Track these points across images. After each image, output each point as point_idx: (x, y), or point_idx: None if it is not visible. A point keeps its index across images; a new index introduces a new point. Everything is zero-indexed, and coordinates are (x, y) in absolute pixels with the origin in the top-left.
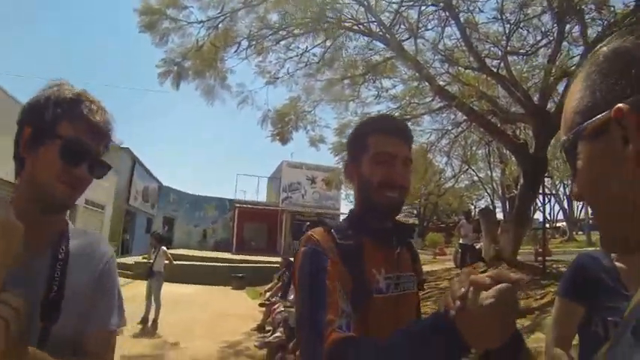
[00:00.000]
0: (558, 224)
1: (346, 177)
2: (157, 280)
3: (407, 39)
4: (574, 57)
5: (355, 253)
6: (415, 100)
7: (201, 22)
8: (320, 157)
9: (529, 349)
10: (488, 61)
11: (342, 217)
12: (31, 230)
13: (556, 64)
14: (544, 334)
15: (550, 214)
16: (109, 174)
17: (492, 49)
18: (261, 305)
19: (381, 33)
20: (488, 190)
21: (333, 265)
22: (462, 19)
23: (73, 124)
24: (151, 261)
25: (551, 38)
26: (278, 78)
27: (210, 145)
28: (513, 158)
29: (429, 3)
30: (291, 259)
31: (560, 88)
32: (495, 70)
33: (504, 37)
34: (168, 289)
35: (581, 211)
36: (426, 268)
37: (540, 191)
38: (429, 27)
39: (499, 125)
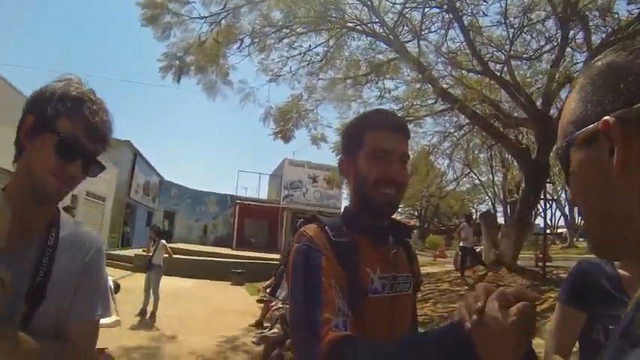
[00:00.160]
0: (559, 230)
1: (341, 173)
2: (155, 273)
3: (410, 40)
4: (577, 63)
5: (350, 251)
6: (418, 102)
7: (204, 17)
8: (321, 156)
9: None
10: (491, 65)
11: None
12: (22, 216)
13: (559, 69)
14: (544, 340)
15: (551, 219)
16: (110, 166)
17: (496, 53)
18: (259, 301)
19: (384, 34)
20: (490, 194)
21: (328, 262)
22: (465, 22)
23: (72, 122)
24: (150, 254)
25: (555, 44)
26: (280, 76)
27: (213, 141)
28: (515, 163)
29: (433, 5)
30: None
31: (564, 94)
32: (498, 74)
33: (508, 42)
34: (167, 282)
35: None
36: (426, 269)
37: (542, 197)
38: (433, 29)
39: (501, 129)
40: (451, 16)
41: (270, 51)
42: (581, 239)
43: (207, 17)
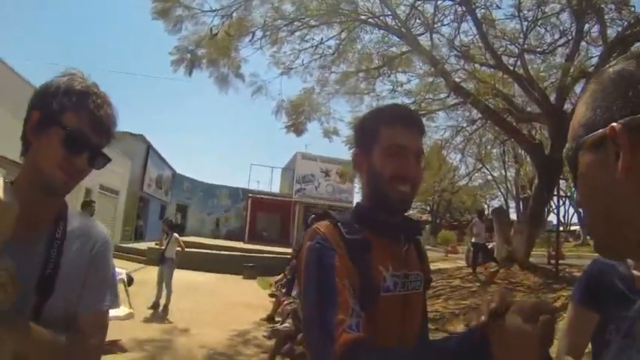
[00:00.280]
0: (573, 228)
1: (355, 167)
2: (168, 266)
3: (422, 33)
4: (593, 57)
5: (362, 248)
6: (430, 96)
7: (215, 10)
8: (334, 149)
9: None
10: (504, 58)
11: None
12: (31, 210)
13: (574, 63)
14: (556, 340)
15: (564, 216)
16: (123, 160)
17: (509, 46)
18: (271, 295)
19: (396, 27)
20: (502, 190)
21: (341, 261)
22: (478, 15)
23: (77, 116)
24: (163, 247)
25: (570, 37)
26: (292, 69)
27: (225, 134)
28: (528, 158)
29: None
30: None
31: (578, 88)
32: (512, 68)
33: (521, 35)
34: (180, 275)
35: None
36: (437, 265)
37: (555, 193)
38: (445, 22)
39: (514, 124)
40: (464, 8)
41: (282, 44)
42: None
43: (218, 10)
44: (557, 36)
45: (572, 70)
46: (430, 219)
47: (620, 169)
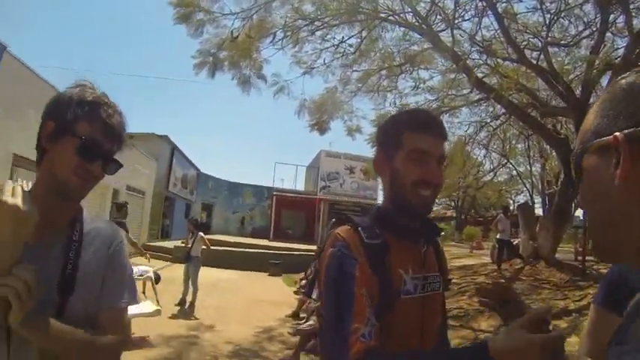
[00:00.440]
0: None
1: (376, 170)
2: (194, 264)
3: (444, 30)
4: (618, 48)
5: (382, 253)
6: (453, 92)
7: (236, 13)
8: (357, 147)
9: None
10: (527, 52)
11: None
12: (48, 213)
13: (599, 55)
14: (580, 338)
15: None
16: (149, 161)
17: (532, 40)
18: (296, 293)
19: (417, 23)
20: (528, 185)
21: (361, 269)
22: (499, 8)
23: (91, 125)
24: (189, 246)
25: (594, 29)
26: (314, 68)
27: (249, 133)
28: (554, 153)
29: None
30: None
31: (604, 81)
32: (535, 61)
33: (544, 28)
34: (205, 273)
35: None
36: (462, 262)
37: None
38: (466, 17)
39: (539, 119)
40: (485, 3)
41: (303, 44)
42: None
43: (238, 13)
44: (581, 28)
45: (597, 62)
46: (455, 215)
47: (618, 177)
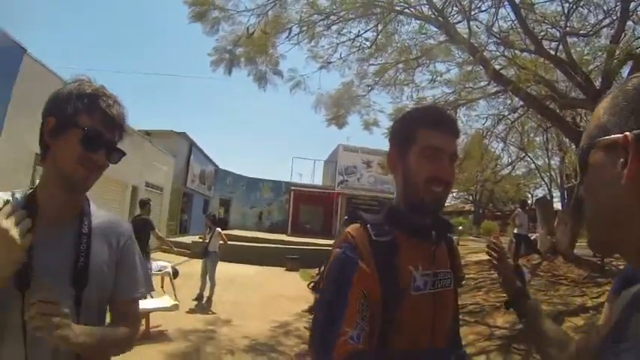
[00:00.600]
0: None
1: (389, 167)
2: (211, 260)
3: (460, 21)
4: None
5: (390, 250)
6: (470, 85)
7: (251, 10)
8: (375, 140)
9: None
10: (545, 43)
11: None
12: (55, 207)
13: (620, 45)
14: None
15: None
16: (168, 158)
17: (550, 30)
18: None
19: (433, 16)
20: (546, 179)
21: (360, 272)
22: None
23: (91, 116)
24: (207, 241)
25: (615, 17)
26: (331, 62)
27: (267, 129)
28: (573, 146)
29: None
30: None
31: (625, 71)
32: (553, 52)
33: (563, 17)
34: (223, 268)
35: None
36: (479, 257)
37: None
38: (483, 8)
39: (557, 111)
40: None
41: (319, 38)
42: None
43: (254, 9)
44: (600, 16)
45: (617, 52)
46: (473, 209)
47: (625, 177)
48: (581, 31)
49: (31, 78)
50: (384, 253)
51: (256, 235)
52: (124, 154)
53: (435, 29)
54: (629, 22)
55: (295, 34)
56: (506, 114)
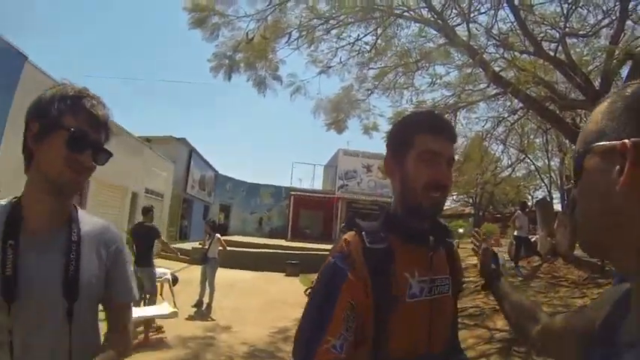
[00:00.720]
0: None
1: (386, 172)
2: (211, 266)
3: (459, 24)
4: (639, 37)
5: (385, 257)
6: (470, 87)
7: (250, 15)
8: (375, 144)
9: None
10: (545, 44)
11: None
12: (43, 214)
13: (619, 45)
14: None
15: None
16: (167, 164)
17: (549, 31)
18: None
19: (432, 19)
20: (546, 180)
21: (349, 284)
22: (515, 0)
23: (76, 117)
24: (206, 247)
25: (614, 17)
26: (330, 67)
27: (267, 134)
28: (573, 147)
29: None
30: None
31: (624, 72)
32: (553, 53)
33: (562, 18)
34: (223, 274)
35: None
36: None
37: None
38: (482, 10)
39: (557, 112)
40: None
41: (318, 43)
42: None
43: (253, 15)
44: (600, 17)
45: (617, 52)
46: (473, 212)
47: (621, 183)
48: (581, 32)
49: (32, 86)
50: (378, 261)
51: (256, 241)
52: (110, 155)
53: (435, 32)
54: (629, 22)
55: (295, 39)
56: (505, 116)
